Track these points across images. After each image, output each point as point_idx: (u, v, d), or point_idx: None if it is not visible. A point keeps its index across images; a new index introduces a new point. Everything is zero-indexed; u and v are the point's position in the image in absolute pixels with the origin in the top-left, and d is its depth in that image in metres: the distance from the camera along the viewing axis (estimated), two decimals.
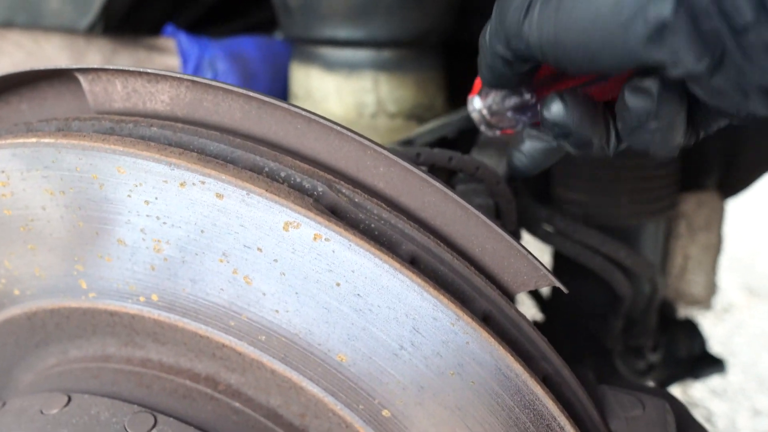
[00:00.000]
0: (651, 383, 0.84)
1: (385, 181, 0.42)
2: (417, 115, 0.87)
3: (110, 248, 0.43)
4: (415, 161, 0.53)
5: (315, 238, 0.38)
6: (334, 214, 0.39)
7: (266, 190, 0.38)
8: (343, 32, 0.81)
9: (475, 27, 1.17)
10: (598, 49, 0.33)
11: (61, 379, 0.50)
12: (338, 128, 0.40)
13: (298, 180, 0.40)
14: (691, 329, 0.87)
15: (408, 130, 0.85)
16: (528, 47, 0.38)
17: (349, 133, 0.40)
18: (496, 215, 0.59)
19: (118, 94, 0.46)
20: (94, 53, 0.75)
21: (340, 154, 0.42)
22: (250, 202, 0.38)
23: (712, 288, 0.85)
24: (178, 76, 0.42)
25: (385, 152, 0.40)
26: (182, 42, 0.83)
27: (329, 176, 0.41)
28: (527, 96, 0.47)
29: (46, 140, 0.41)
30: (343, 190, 0.40)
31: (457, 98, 1.31)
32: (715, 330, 2.02)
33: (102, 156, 0.40)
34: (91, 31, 0.83)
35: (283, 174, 0.40)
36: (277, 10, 0.87)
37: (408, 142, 0.78)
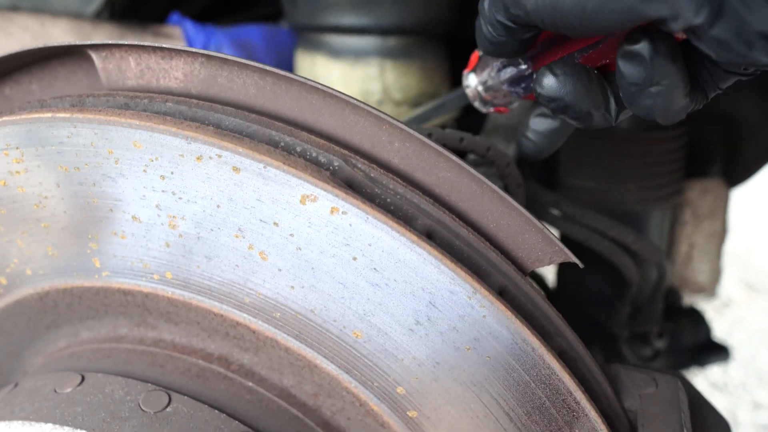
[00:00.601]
0: None
1: (400, 157, 0.42)
2: (422, 103, 0.87)
3: (125, 225, 0.43)
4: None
5: (332, 212, 0.38)
6: (351, 188, 0.39)
7: (283, 163, 0.38)
8: (348, 19, 0.81)
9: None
10: (595, 9, 0.33)
11: (73, 359, 0.50)
12: (354, 102, 0.40)
13: (314, 154, 0.40)
14: (696, 317, 0.87)
15: None
16: (527, 14, 0.37)
17: (365, 107, 0.40)
18: None
19: (132, 72, 0.46)
20: (101, 37, 0.75)
21: (355, 129, 0.42)
22: (267, 176, 0.38)
23: (716, 276, 0.85)
24: (193, 51, 0.42)
25: (401, 125, 0.40)
26: (188, 29, 0.83)
27: (345, 151, 0.41)
28: (523, 66, 0.46)
29: (62, 115, 0.40)
30: (359, 165, 0.40)
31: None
32: (715, 325, 2.02)
33: (117, 130, 0.40)
34: (97, 17, 0.82)
35: (298, 149, 0.40)
36: (284, 2, 0.87)
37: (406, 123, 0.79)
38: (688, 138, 0.77)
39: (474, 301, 0.38)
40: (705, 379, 1.83)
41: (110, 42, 0.43)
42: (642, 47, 0.34)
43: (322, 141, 0.41)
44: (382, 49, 0.83)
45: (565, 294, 0.83)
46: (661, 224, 0.78)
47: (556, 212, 0.65)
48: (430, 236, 0.40)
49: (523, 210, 0.40)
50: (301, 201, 0.38)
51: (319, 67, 0.86)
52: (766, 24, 0.30)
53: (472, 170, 0.40)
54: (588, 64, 0.41)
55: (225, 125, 0.41)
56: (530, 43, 0.42)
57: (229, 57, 0.41)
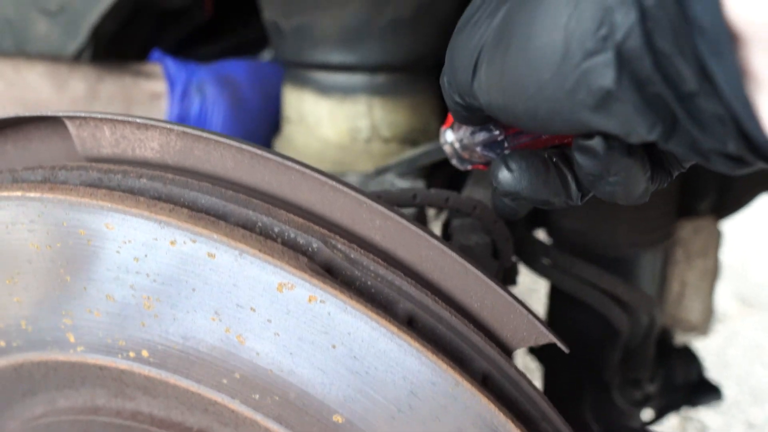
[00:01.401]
0: (648, 412, 0.83)
1: (382, 234, 0.41)
2: (411, 139, 0.86)
3: (99, 303, 0.42)
4: (412, 202, 0.52)
5: (310, 300, 0.37)
6: (330, 272, 0.38)
7: (260, 251, 0.37)
8: (336, 57, 0.80)
9: None
10: (547, 117, 0.32)
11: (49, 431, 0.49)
12: (332, 183, 0.39)
13: (293, 236, 0.39)
14: (688, 356, 0.86)
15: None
16: (480, 105, 0.37)
17: (344, 188, 0.39)
18: (493, 253, 0.58)
19: (107, 140, 0.44)
20: (78, 81, 0.73)
21: (335, 205, 0.41)
22: (243, 262, 0.37)
23: (709, 314, 0.84)
24: (167, 126, 0.40)
25: (381, 208, 0.39)
26: (169, 67, 0.82)
27: (324, 231, 0.40)
28: (496, 132, 0.45)
29: (32, 194, 0.39)
30: (339, 246, 0.39)
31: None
32: (709, 341, 2.01)
33: (89, 211, 0.39)
34: (79, 56, 0.81)
35: (276, 229, 0.39)
36: (269, 33, 0.86)
37: (384, 170, 0.77)
38: (680, 177, 0.76)
39: (457, 392, 0.37)
40: None
41: (83, 114, 0.42)
42: (596, 143, 0.33)
43: (300, 220, 0.40)
44: (371, 86, 0.82)
45: (558, 331, 0.81)
46: (652, 264, 0.77)
47: (546, 261, 0.64)
48: (412, 321, 0.38)
49: (507, 293, 0.39)
50: (278, 288, 0.37)
51: (306, 104, 0.85)
52: (720, 145, 0.28)
53: (453, 252, 0.39)
54: (550, 143, 0.41)
55: (201, 204, 0.40)
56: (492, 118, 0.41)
57: (205, 133, 0.40)
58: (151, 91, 0.79)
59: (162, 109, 0.80)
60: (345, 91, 0.82)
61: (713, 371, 1.95)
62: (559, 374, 0.79)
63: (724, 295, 2.22)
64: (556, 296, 0.80)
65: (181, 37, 1.04)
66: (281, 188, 0.41)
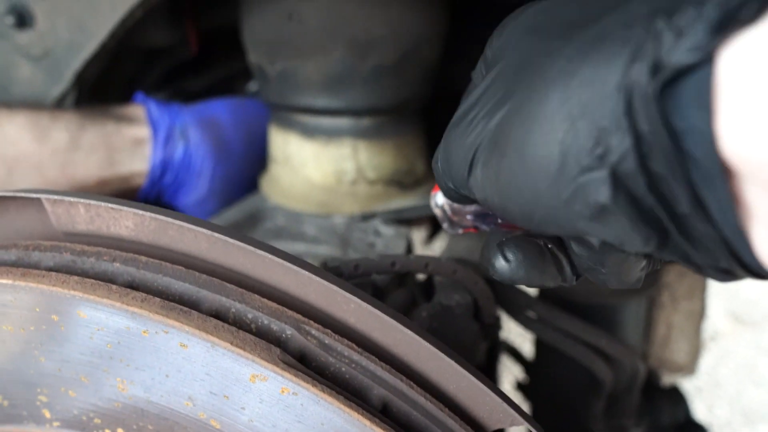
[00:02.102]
0: None
1: (356, 317, 0.41)
2: (397, 180, 0.86)
3: (73, 384, 0.42)
4: (390, 270, 0.52)
5: (282, 392, 0.37)
6: (303, 360, 0.38)
7: (231, 343, 0.37)
8: (320, 101, 0.80)
9: (461, 73, 1.15)
10: (542, 221, 0.33)
11: None
12: (306, 272, 0.39)
13: (266, 322, 0.39)
14: (675, 397, 0.86)
15: (388, 197, 0.84)
16: (475, 199, 0.37)
17: (318, 278, 0.39)
18: (475, 311, 0.58)
19: (81, 217, 0.44)
20: (59, 131, 0.73)
21: (309, 288, 0.41)
22: (216, 354, 0.37)
23: (696, 354, 0.84)
24: (140, 212, 0.40)
25: (354, 298, 0.39)
26: (152, 111, 0.81)
27: (298, 316, 0.40)
28: None
29: (4, 281, 0.39)
30: (313, 332, 0.39)
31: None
32: (701, 360, 2.02)
33: (62, 299, 0.39)
34: (63, 100, 0.81)
35: (250, 315, 0.39)
36: (255, 75, 0.86)
37: (370, 216, 0.77)
38: None
39: None
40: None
41: (56, 197, 0.42)
42: (592, 239, 0.34)
43: (274, 305, 0.40)
44: (356, 129, 0.82)
45: (541, 377, 0.82)
46: (637, 310, 0.77)
47: (530, 313, 0.64)
48: (386, 409, 0.38)
49: (479, 380, 0.39)
50: (250, 379, 0.37)
51: (292, 145, 0.85)
52: (712, 261, 0.29)
53: (427, 338, 0.39)
54: None
55: (173, 291, 0.40)
56: None
57: (177, 219, 0.40)
58: (133, 137, 0.78)
59: (145, 154, 0.80)
60: (330, 134, 0.82)
61: (705, 391, 1.95)
62: (544, 422, 0.79)
63: (716, 313, 2.23)
64: (541, 345, 0.80)
65: (166, 72, 1.03)
66: (255, 270, 0.41)
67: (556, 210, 0.31)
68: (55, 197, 0.42)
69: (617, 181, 0.28)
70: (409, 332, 0.39)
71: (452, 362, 0.40)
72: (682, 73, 0.26)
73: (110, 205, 0.40)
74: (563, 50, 0.31)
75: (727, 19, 0.24)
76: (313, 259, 0.87)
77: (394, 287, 0.58)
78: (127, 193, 0.81)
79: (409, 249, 0.74)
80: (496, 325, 0.61)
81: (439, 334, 0.52)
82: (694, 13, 0.25)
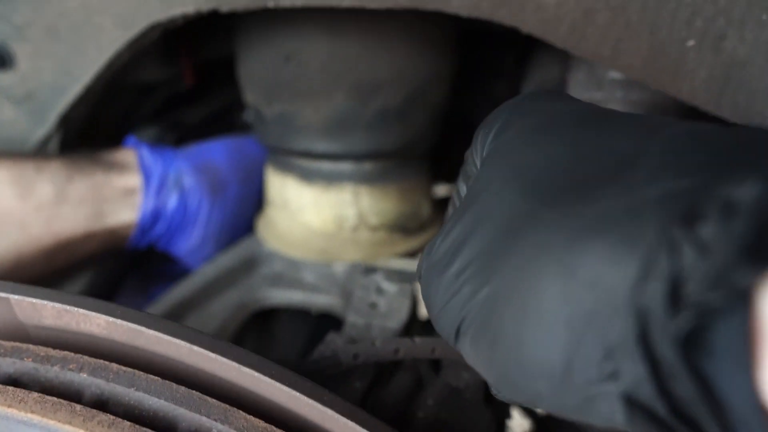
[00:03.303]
0: None
1: None
2: (401, 225, 0.81)
3: None
4: (393, 357, 0.47)
5: None
6: None
7: None
8: (320, 146, 0.75)
9: (469, 106, 1.10)
10: (549, 411, 0.28)
11: None
12: (298, 393, 0.34)
13: None
14: None
15: (392, 243, 0.80)
16: None
17: (311, 400, 0.34)
18: (486, 387, 0.53)
19: (49, 312, 0.40)
20: (45, 183, 0.68)
21: (301, 402, 0.36)
22: None
23: None
24: (111, 319, 0.36)
25: (348, 421, 0.34)
26: (144, 157, 0.76)
27: None
28: None
29: None
30: None
31: (449, 177, 1.26)
32: None
33: (19, 420, 0.34)
34: (47, 143, 0.76)
35: None
36: (251, 118, 0.81)
37: (372, 270, 0.73)
38: None
39: None
40: None
41: (18, 296, 0.37)
42: None
43: (262, 425, 0.35)
44: (357, 174, 0.77)
45: None
46: None
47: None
48: None
49: None
50: None
51: (290, 190, 0.80)
52: None
53: None
54: None
55: (146, 407, 0.35)
56: None
57: (151, 326, 0.35)
58: (124, 186, 0.74)
59: (136, 204, 0.75)
60: (330, 179, 0.78)
61: None
62: None
63: None
64: None
65: (159, 106, 0.99)
66: (243, 379, 0.37)
67: (562, 410, 0.27)
68: (19, 297, 0.37)
69: (632, 401, 0.24)
70: None
71: None
72: (708, 312, 0.21)
73: (80, 310, 0.36)
74: (556, 227, 0.27)
75: (764, 240, 0.20)
76: (312, 308, 0.82)
77: (400, 365, 0.53)
78: (115, 243, 0.76)
79: (414, 307, 0.69)
80: (506, 412, 0.56)
81: (448, 426, 0.47)
82: (720, 224, 0.21)
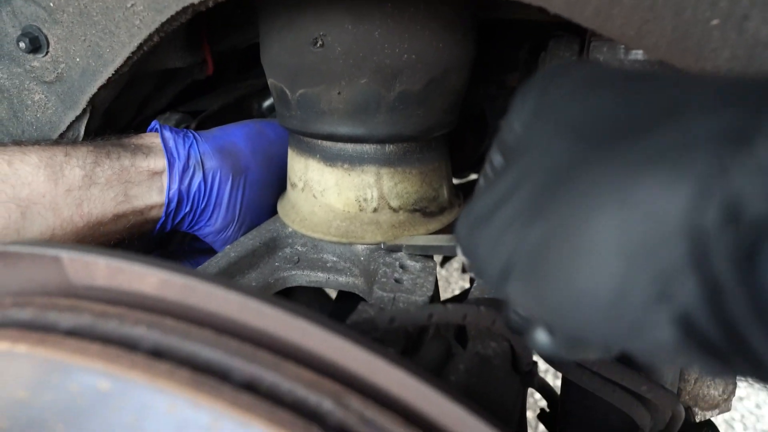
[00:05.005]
0: None
1: (399, 385, 0.37)
2: (421, 208, 0.83)
3: None
4: (427, 322, 0.48)
5: None
6: None
7: (268, 419, 0.33)
8: (344, 129, 0.77)
9: (484, 99, 1.11)
10: (597, 344, 0.31)
11: None
12: (346, 341, 0.36)
13: (302, 395, 0.36)
14: (709, 430, 0.83)
15: (412, 225, 0.81)
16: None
17: (359, 347, 0.36)
18: (512, 359, 0.55)
19: (101, 272, 0.41)
20: (74, 168, 0.70)
21: (349, 354, 0.38)
22: None
23: (731, 390, 0.81)
24: (166, 276, 0.37)
25: (396, 369, 0.36)
26: (168, 141, 0.78)
27: (337, 386, 0.37)
28: None
29: (20, 350, 0.36)
30: (352, 405, 0.36)
31: (463, 166, 1.27)
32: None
33: (80, 369, 0.35)
34: (76, 125, 0.78)
35: (285, 387, 0.36)
36: (274, 99, 0.83)
37: (395, 248, 0.74)
38: None
39: None
40: None
41: (75, 252, 0.39)
42: None
43: (311, 375, 0.36)
44: (379, 156, 0.79)
45: (571, 415, 0.78)
46: None
47: None
48: None
49: None
50: None
51: (312, 172, 0.82)
52: None
53: (476, 413, 0.36)
54: None
55: (202, 359, 0.36)
56: None
57: (204, 281, 0.37)
58: (149, 168, 0.76)
59: (161, 186, 0.77)
60: (352, 161, 0.79)
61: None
62: None
63: None
64: (570, 384, 0.77)
65: (180, 92, 1.01)
66: (290, 334, 0.38)
67: (611, 339, 0.28)
68: (74, 255, 0.39)
69: (685, 325, 0.25)
70: (455, 405, 0.36)
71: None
72: (766, 227, 0.22)
73: (133, 267, 0.37)
74: (608, 165, 0.28)
75: None
76: (335, 288, 0.84)
77: (427, 335, 0.55)
78: (143, 225, 0.78)
79: (436, 283, 0.71)
80: (533, 372, 0.58)
81: (480, 391, 0.49)
82: None
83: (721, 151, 0.23)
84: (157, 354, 0.37)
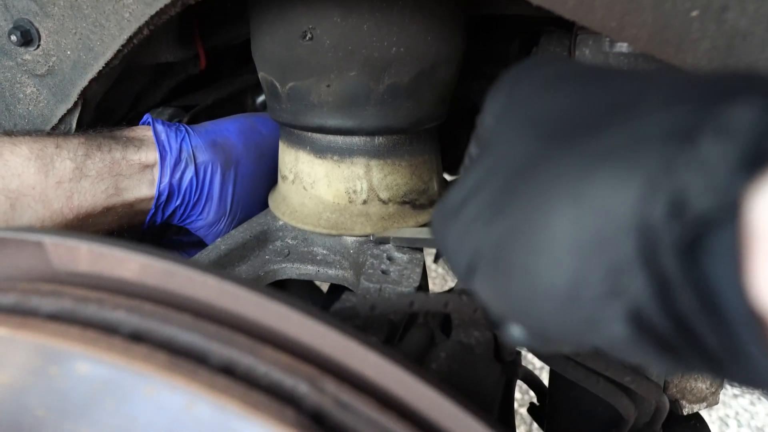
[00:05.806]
0: None
1: (375, 370, 0.38)
2: (411, 200, 0.83)
3: None
4: (408, 309, 0.49)
5: None
6: (318, 420, 0.36)
7: (243, 401, 0.34)
8: (333, 121, 0.77)
9: (478, 90, 1.12)
10: (556, 340, 0.31)
11: None
12: (322, 325, 0.36)
13: (278, 378, 0.36)
14: (698, 424, 0.83)
15: (402, 217, 0.82)
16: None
17: (335, 331, 0.36)
18: (495, 348, 0.55)
19: (84, 257, 0.42)
20: (65, 160, 0.70)
21: (326, 340, 0.38)
22: (224, 416, 0.34)
23: (718, 384, 0.81)
24: (147, 261, 0.38)
25: (372, 353, 0.36)
26: (160, 134, 0.79)
27: (313, 370, 0.37)
28: None
29: (1, 333, 0.37)
30: (328, 388, 0.37)
31: (457, 163, 1.27)
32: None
33: (60, 352, 0.36)
34: (67, 118, 0.79)
35: (260, 371, 0.37)
36: (264, 92, 0.84)
37: (382, 240, 0.75)
38: None
39: None
40: None
41: (58, 237, 0.39)
42: None
43: (287, 359, 0.37)
44: (368, 148, 0.79)
45: (558, 407, 0.79)
46: None
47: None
48: None
49: None
50: None
51: (302, 164, 0.82)
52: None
53: (450, 396, 0.36)
54: None
55: (180, 342, 0.37)
56: None
57: (184, 266, 0.37)
58: (141, 161, 0.76)
59: (153, 179, 0.77)
60: (342, 153, 0.80)
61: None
62: None
63: None
64: (558, 377, 0.77)
65: (173, 87, 1.01)
66: (267, 319, 0.39)
67: (569, 334, 0.29)
68: (57, 240, 0.39)
69: (637, 320, 0.25)
70: (431, 389, 0.36)
71: (477, 418, 0.37)
72: (708, 222, 0.23)
73: (114, 252, 0.38)
74: (565, 161, 0.28)
75: (758, 152, 0.22)
76: (325, 281, 0.84)
77: (411, 323, 0.56)
78: (133, 217, 0.79)
79: (424, 275, 0.71)
80: (516, 362, 0.58)
81: (460, 378, 0.50)
82: (715, 139, 0.23)
83: (669, 148, 0.24)
84: (137, 338, 0.37)
